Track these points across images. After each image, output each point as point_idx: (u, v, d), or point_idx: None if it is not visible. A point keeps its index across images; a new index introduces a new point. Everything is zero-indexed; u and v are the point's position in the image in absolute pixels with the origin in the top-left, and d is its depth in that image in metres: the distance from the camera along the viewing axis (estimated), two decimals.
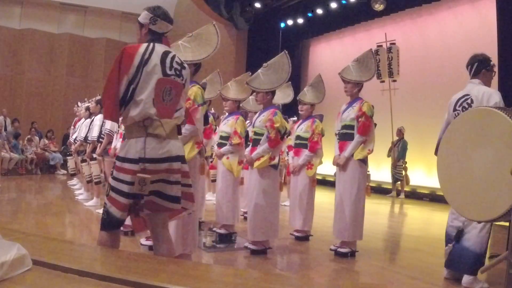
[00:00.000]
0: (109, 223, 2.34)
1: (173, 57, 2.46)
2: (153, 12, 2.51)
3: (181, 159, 2.42)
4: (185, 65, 2.55)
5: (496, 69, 3.61)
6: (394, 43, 10.14)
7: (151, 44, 2.43)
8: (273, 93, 4.30)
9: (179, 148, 2.44)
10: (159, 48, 2.43)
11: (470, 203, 2.43)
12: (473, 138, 2.46)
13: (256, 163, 4.12)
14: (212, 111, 6.93)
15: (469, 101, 3.37)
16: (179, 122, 2.47)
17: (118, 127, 5.07)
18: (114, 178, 2.33)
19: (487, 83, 3.47)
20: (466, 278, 3.27)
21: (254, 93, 4.49)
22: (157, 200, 2.35)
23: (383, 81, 10.27)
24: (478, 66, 3.46)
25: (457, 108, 3.44)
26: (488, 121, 2.37)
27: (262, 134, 4.22)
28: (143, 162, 2.27)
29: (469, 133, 2.51)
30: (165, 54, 2.43)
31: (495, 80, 7.62)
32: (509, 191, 2.16)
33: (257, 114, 4.42)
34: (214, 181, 7.52)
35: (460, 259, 3.32)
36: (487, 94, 3.29)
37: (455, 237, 3.34)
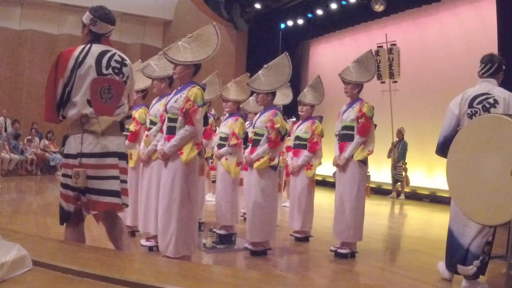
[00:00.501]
0: (62, 216, 2.55)
1: (111, 56, 2.56)
2: (93, 14, 2.59)
3: (118, 155, 2.54)
4: (127, 62, 2.64)
5: None
6: (395, 44, 10.13)
7: (88, 46, 2.54)
8: (273, 94, 4.30)
9: (118, 144, 2.57)
10: (96, 49, 2.53)
11: (482, 209, 2.46)
12: (484, 145, 2.50)
13: (256, 164, 4.12)
14: (213, 112, 6.92)
15: (491, 100, 3.21)
16: (119, 119, 2.58)
17: None
18: (62, 174, 2.54)
19: None
20: (465, 282, 3.26)
21: (254, 94, 4.49)
22: (98, 198, 2.47)
23: (383, 82, 10.26)
24: (498, 67, 3.34)
25: (474, 105, 3.27)
26: (499, 128, 2.41)
27: (262, 135, 4.22)
28: (80, 157, 2.44)
29: (479, 139, 2.54)
30: (101, 54, 2.53)
31: None
32: None
33: (258, 115, 4.42)
34: (214, 182, 7.52)
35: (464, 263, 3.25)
36: None
37: (486, 251, 3.21)
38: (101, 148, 2.47)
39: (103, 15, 2.60)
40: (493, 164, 2.40)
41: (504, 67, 3.41)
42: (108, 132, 2.50)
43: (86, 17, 2.60)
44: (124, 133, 4.55)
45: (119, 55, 2.61)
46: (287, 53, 4.35)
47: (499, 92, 3.24)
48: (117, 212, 2.66)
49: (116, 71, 2.55)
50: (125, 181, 2.62)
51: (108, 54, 2.55)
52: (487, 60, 3.38)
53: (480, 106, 3.25)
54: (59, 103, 2.48)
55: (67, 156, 2.50)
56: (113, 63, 2.54)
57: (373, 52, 4.64)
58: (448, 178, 2.71)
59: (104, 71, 2.50)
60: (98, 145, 2.46)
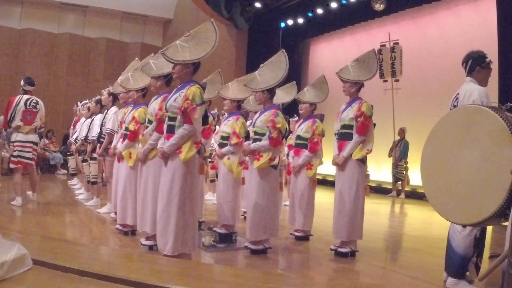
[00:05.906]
0: (9, 168, 6.19)
1: (32, 100, 5.98)
2: (25, 81, 6.09)
3: (33, 143, 5.99)
4: (39, 102, 6.05)
5: (492, 66, 3.52)
6: (397, 42, 10.13)
7: (21, 96, 5.95)
8: (270, 91, 4.28)
9: (34, 138, 6.00)
10: (25, 97, 5.95)
11: (455, 206, 2.29)
12: (460, 138, 2.33)
13: (256, 163, 4.11)
14: (214, 111, 6.90)
15: (456, 102, 3.31)
16: (34, 127, 5.97)
17: (119, 127, 5.08)
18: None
19: (483, 81, 3.36)
20: (450, 280, 3.23)
21: (254, 93, 4.49)
22: (23, 160, 5.93)
23: (385, 81, 10.26)
24: (472, 63, 3.36)
25: (450, 108, 3.38)
26: (476, 120, 2.26)
27: (263, 134, 4.21)
28: (14, 142, 5.92)
29: (455, 132, 2.38)
30: (27, 99, 5.94)
31: (494, 80, 7.61)
32: (497, 192, 2.04)
33: (258, 114, 4.41)
34: (212, 181, 7.53)
35: (448, 262, 3.25)
36: (469, 92, 3.20)
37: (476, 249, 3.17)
38: (25, 138, 5.91)
39: (29, 82, 6.11)
40: (471, 158, 2.23)
41: (486, 59, 3.37)
42: (29, 132, 5.93)
43: (23, 82, 6.06)
44: (125, 132, 4.63)
45: (36, 99, 6.03)
46: (284, 50, 4.33)
47: (462, 90, 3.27)
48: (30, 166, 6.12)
49: (33, 106, 5.96)
50: (35, 155, 6.09)
51: (30, 99, 5.97)
52: (463, 60, 3.42)
53: (451, 108, 3.36)
54: (8, 120, 5.84)
55: (13, 142, 6.02)
56: (32, 103, 5.97)
57: (376, 51, 4.62)
58: (422, 174, 2.55)
59: (28, 107, 5.90)
60: (24, 137, 5.90)
